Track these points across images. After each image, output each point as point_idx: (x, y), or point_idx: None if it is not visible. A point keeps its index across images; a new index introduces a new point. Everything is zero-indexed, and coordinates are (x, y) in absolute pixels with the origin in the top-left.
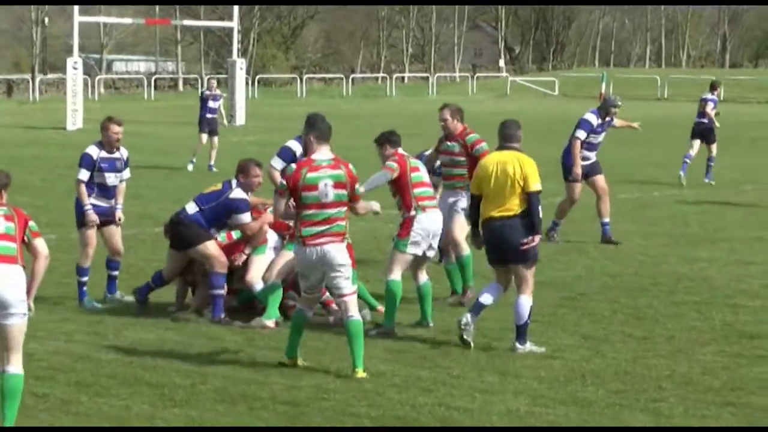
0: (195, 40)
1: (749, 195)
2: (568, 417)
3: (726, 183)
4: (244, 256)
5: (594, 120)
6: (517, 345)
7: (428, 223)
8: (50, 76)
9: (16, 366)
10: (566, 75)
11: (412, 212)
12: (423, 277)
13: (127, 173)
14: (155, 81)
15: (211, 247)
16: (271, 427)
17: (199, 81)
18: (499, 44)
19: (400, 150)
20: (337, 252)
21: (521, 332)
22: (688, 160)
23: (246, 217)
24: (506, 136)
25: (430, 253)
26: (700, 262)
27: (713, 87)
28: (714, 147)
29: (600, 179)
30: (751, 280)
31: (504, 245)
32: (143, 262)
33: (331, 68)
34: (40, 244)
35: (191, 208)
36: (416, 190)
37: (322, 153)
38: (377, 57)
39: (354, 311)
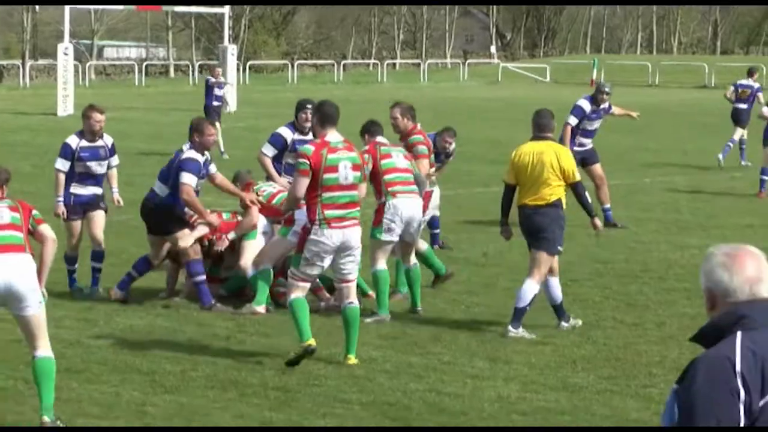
0: (186, 27)
1: (740, 182)
2: (559, 402)
3: (716, 169)
4: (226, 242)
5: (587, 106)
6: (510, 328)
7: (401, 209)
8: (41, 62)
9: (45, 349)
10: (558, 61)
11: (383, 199)
12: (411, 262)
13: (115, 160)
14: (146, 67)
15: (187, 235)
16: (274, 428)
17: (191, 67)
18: (491, 30)
19: (379, 138)
20: (358, 235)
21: (517, 316)
22: (731, 144)
23: (185, 177)
24: (541, 126)
25: (411, 238)
26: (691, 248)
27: (750, 73)
28: (745, 130)
29: (597, 168)
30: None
31: (532, 231)
32: (135, 248)
33: (323, 54)
34: (46, 230)
35: (160, 188)
36: (386, 177)
37: (334, 135)
38: (369, 43)
39: (354, 297)
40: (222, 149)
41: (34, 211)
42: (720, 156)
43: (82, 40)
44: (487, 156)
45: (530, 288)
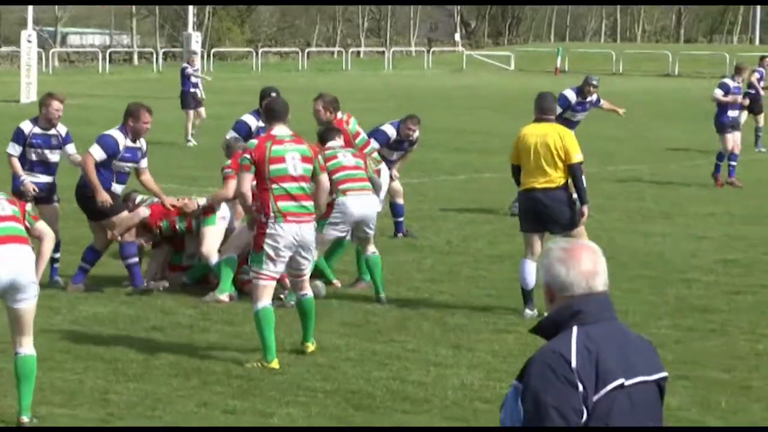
0: (150, 14)
1: (703, 170)
2: None
3: (678, 157)
4: (196, 204)
5: (572, 97)
6: (527, 311)
7: (350, 208)
8: (4, 49)
9: (29, 347)
10: (522, 49)
11: (333, 196)
12: (369, 250)
13: (71, 148)
14: (110, 54)
15: (122, 218)
16: (274, 427)
17: (154, 54)
18: (455, 18)
19: (331, 143)
20: (312, 232)
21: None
22: (760, 133)
23: (92, 148)
24: (543, 109)
25: (365, 234)
26: (654, 236)
27: (762, 60)
28: (761, 117)
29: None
30: (704, 255)
31: (545, 215)
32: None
33: (287, 42)
34: (43, 226)
35: None
36: (335, 176)
37: (281, 129)
38: (333, 31)
39: (308, 289)
40: (188, 137)
41: (28, 206)
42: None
43: (46, 27)
44: (452, 144)
45: None
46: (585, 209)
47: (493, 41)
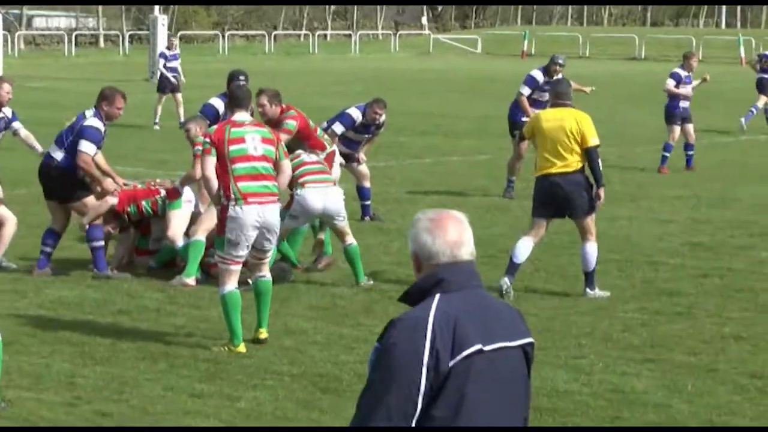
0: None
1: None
2: None
3: (645, 141)
4: (168, 183)
5: (540, 77)
6: (587, 290)
7: (307, 200)
8: None
9: None
10: (489, 33)
11: (294, 189)
12: (347, 241)
13: (17, 124)
14: (76, 37)
15: (88, 203)
16: (271, 428)
17: (120, 37)
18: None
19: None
20: (277, 213)
21: (590, 278)
22: (754, 110)
23: (84, 146)
24: (560, 94)
25: (335, 224)
26: (620, 220)
27: None
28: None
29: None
30: (670, 238)
31: (563, 200)
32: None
33: (254, 25)
34: (3, 210)
35: (57, 153)
36: (295, 172)
37: (242, 115)
38: (300, 14)
39: (266, 271)
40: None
41: None
42: (743, 120)
43: (11, 10)
44: (419, 127)
45: (591, 250)
46: (601, 192)
47: (460, 24)
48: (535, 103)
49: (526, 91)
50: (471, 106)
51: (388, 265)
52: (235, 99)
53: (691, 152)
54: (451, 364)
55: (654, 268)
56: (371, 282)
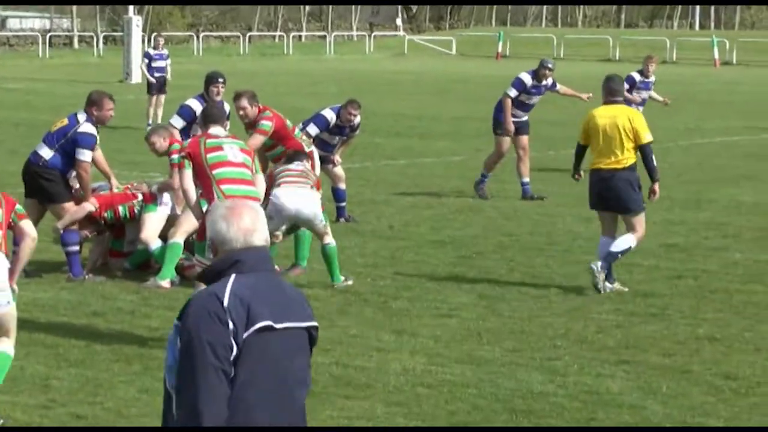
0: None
1: None
2: (464, 375)
3: None
4: (144, 187)
5: (528, 80)
6: (607, 284)
7: (281, 198)
8: None
9: (7, 345)
10: (463, 34)
11: (271, 191)
12: (324, 240)
13: None
14: (50, 38)
15: (67, 207)
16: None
17: (95, 38)
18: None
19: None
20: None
21: (608, 259)
22: None
23: (85, 155)
24: (612, 91)
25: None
26: (595, 221)
27: None
28: None
29: (524, 139)
30: (645, 239)
31: (610, 196)
32: None
33: (228, 26)
34: (27, 226)
35: (46, 152)
36: (276, 177)
37: (217, 129)
38: (274, 15)
39: None
40: (153, 121)
41: (18, 206)
42: None
43: None
44: (394, 129)
45: (627, 239)
46: (656, 187)
47: (434, 26)
48: (522, 106)
49: (513, 93)
50: (446, 107)
51: (363, 267)
52: (210, 116)
53: None
54: (245, 335)
55: (629, 269)
56: (350, 282)
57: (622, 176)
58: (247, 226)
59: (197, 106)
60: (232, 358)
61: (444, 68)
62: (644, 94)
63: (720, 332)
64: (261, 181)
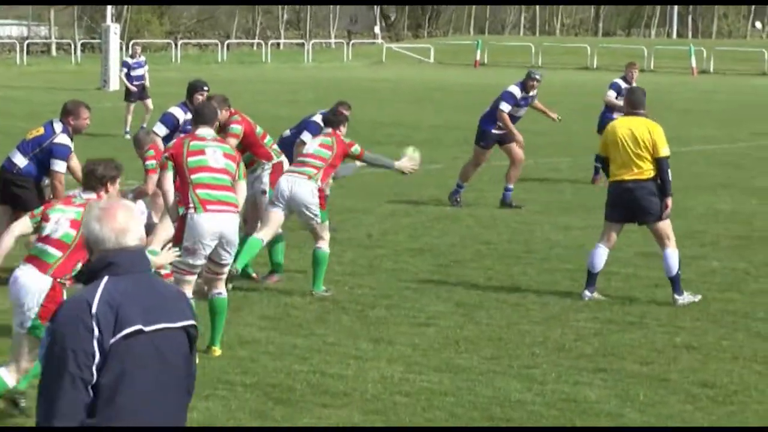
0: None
1: None
2: (442, 383)
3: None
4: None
5: (518, 93)
6: (676, 297)
7: (280, 183)
8: None
9: None
10: (441, 42)
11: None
12: (317, 243)
13: None
14: (28, 46)
15: None
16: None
17: (73, 46)
18: (375, 11)
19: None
20: (235, 226)
21: (675, 283)
22: None
23: (60, 166)
24: (634, 103)
25: (311, 220)
26: (573, 229)
27: None
28: None
29: (513, 147)
30: (623, 247)
31: (635, 206)
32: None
33: (207, 34)
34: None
35: (20, 159)
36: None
37: (205, 130)
38: (253, 23)
39: (222, 287)
40: (126, 129)
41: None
42: None
43: None
44: (372, 137)
45: (673, 255)
46: (669, 201)
47: (413, 34)
48: (510, 118)
49: (506, 107)
50: (424, 115)
51: (342, 275)
52: (201, 115)
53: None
54: (111, 341)
55: (606, 277)
56: (329, 293)
57: (644, 186)
58: (120, 226)
59: (180, 114)
60: (95, 366)
61: (422, 76)
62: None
63: (697, 340)
64: (242, 187)
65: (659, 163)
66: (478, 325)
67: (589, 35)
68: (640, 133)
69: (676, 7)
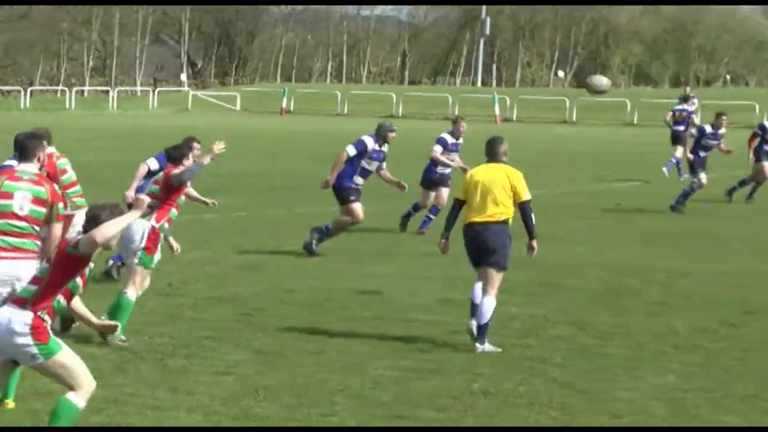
0: None
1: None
2: None
3: (395, 201)
4: None
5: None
6: (477, 345)
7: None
8: None
9: None
10: (248, 89)
11: None
12: (126, 287)
13: None
14: None
15: None
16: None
17: None
18: (182, 58)
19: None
20: (27, 268)
21: (481, 332)
22: (673, 161)
23: None
24: (493, 153)
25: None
26: (375, 277)
27: (685, 99)
28: (681, 149)
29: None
30: (424, 294)
31: (481, 248)
32: None
33: (9, 80)
34: None
35: None
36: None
37: (27, 167)
38: (57, 69)
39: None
40: None
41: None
42: (665, 169)
43: None
44: None
45: (489, 304)
46: (534, 243)
47: (219, 81)
48: (363, 172)
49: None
50: (227, 163)
51: (142, 324)
52: (21, 148)
53: (433, 216)
54: None
55: (407, 324)
56: (127, 343)
57: (495, 229)
58: None
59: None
60: None
61: (227, 123)
62: (455, 157)
63: (494, 386)
64: (55, 230)
65: (522, 208)
66: (278, 372)
67: (395, 83)
68: (500, 178)
69: (481, 56)
